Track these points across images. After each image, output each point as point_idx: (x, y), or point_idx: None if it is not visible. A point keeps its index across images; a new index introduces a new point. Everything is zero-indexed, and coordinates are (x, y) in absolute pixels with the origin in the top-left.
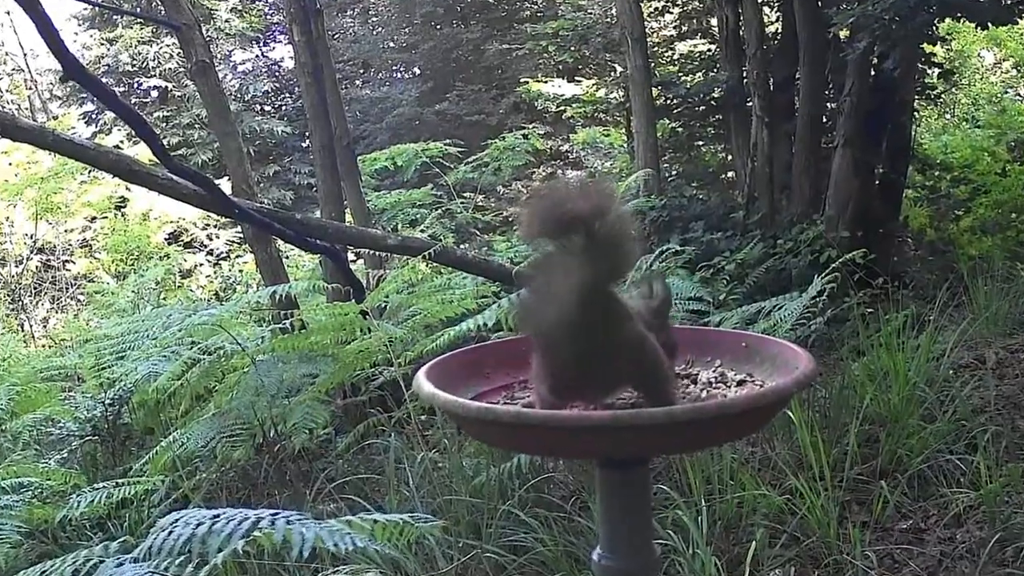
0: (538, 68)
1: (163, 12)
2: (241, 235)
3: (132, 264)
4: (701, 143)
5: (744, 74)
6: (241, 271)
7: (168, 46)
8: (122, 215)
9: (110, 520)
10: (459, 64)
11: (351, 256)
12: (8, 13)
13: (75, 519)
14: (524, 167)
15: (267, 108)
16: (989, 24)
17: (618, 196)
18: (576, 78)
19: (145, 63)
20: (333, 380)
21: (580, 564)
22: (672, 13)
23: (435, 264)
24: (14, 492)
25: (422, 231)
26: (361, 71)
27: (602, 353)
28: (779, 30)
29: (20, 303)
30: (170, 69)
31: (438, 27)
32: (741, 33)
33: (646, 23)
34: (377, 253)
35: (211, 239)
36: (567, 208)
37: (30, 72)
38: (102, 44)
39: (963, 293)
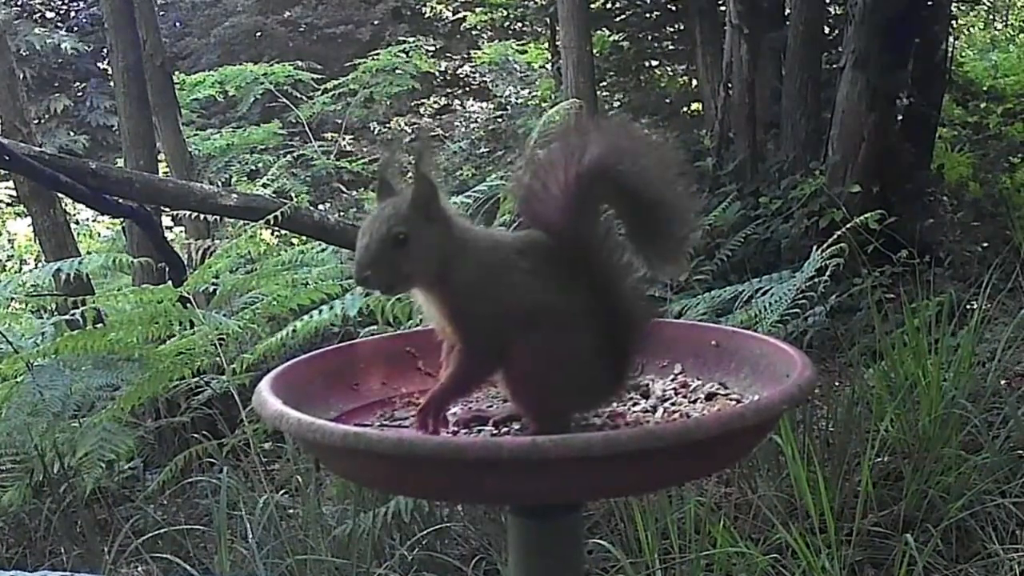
0: None
1: None
2: (14, 192)
3: None
4: (654, 63)
5: None
6: (12, 241)
7: None
8: None
9: None
10: None
11: (167, 221)
12: None
13: None
14: (407, 96)
15: (50, 16)
16: None
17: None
18: None
19: None
20: (141, 393)
21: None
22: None
23: (284, 232)
24: None
25: (265, 186)
26: None
27: None
28: None
29: None
30: None
31: None
32: None
33: None
34: (203, 217)
35: None
36: None
37: None
38: None
39: (1021, 272)
